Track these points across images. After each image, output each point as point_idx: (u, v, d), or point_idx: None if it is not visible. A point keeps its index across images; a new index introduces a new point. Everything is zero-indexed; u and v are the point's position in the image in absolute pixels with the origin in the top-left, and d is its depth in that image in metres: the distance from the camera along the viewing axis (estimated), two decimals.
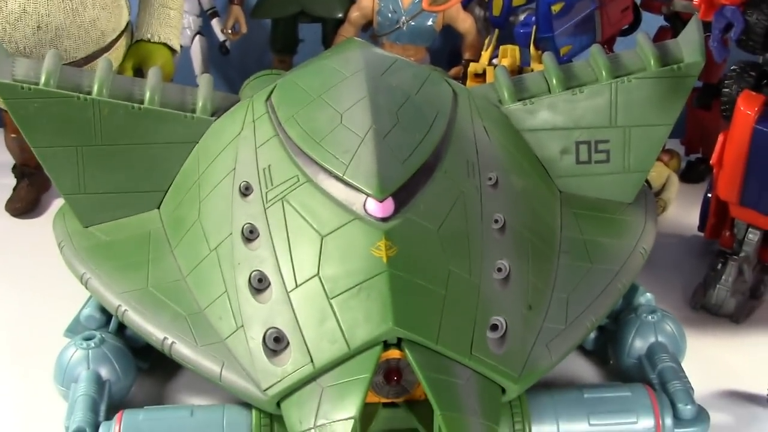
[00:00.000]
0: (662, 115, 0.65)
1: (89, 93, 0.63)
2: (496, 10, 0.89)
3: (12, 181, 0.84)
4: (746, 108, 0.63)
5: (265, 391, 0.50)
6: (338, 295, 0.50)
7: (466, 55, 0.94)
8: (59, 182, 0.64)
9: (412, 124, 0.57)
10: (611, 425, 0.53)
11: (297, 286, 0.51)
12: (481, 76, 0.84)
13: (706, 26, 0.65)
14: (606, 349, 0.62)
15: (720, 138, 0.65)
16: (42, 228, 0.74)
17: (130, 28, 0.83)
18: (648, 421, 0.53)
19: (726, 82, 0.67)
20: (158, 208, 0.65)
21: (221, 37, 0.99)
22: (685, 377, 0.56)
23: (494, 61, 0.84)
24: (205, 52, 0.98)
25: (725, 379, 0.61)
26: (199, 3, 0.98)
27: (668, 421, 0.53)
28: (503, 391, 0.51)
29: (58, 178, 0.64)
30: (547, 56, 0.67)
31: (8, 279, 0.72)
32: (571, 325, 0.55)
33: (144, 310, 0.56)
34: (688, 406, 0.54)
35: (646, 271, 0.61)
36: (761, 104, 0.63)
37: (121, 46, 0.80)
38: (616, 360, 0.61)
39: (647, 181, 0.74)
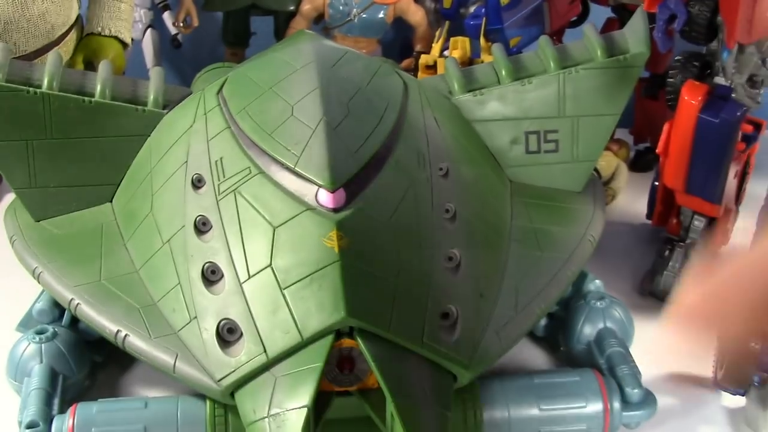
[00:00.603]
0: (609, 105, 0.66)
1: (39, 86, 0.62)
2: (447, 2, 0.90)
3: None
4: (690, 97, 0.64)
5: (218, 381, 0.50)
6: (290, 285, 0.50)
7: (417, 47, 0.95)
8: (10, 176, 0.64)
9: (362, 116, 0.57)
10: (561, 409, 0.54)
11: (250, 277, 0.51)
12: (432, 67, 0.84)
13: (651, 17, 0.66)
14: (556, 335, 0.63)
15: (665, 127, 0.66)
16: None
17: (80, 22, 0.82)
18: (596, 405, 0.54)
19: (670, 72, 0.68)
20: (111, 201, 0.65)
21: (173, 30, 0.98)
22: (633, 362, 0.57)
23: (445, 53, 0.85)
24: (157, 46, 0.98)
25: (672, 363, 0.62)
26: None
27: (616, 404, 0.54)
28: (455, 378, 0.52)
29: (9, 173, 0.64)
30: (497, 48, 0.68)
31: None
32: (522, 312, 0.56)
33: (97, 303, 0.56)
34: (636, 390, 0.55)
35: (595, 258, 0.62)
36: (704, 93, 0.64)
37: (72, 39, 0.80)
38: (566, 346, 0.62)
39: (596, 170, 0.75)
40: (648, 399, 0.56)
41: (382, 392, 0.48)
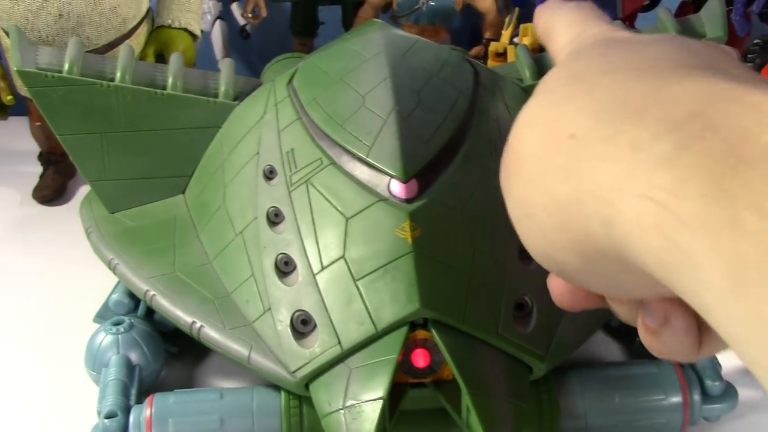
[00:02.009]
0: None
1: (112, 80, 0.63)
2: None
3: (38, 169, 0.85)
4: None
5: (293, 373, 0.50)
6: (364, 276, 0.50)
7: (487, 35, 0.94)
8: (84, 169, 0.65)
9: (434, 105, 0.57)
10: (639, 401, 0.53)
11: (323, 269, 0.51)
12: (502, 55, 0.84)
13: (728, 0, 0.64)
14: (632, 326, 0.62)
15: None
16: (69, 215, 0.75)
17: (150, 15, 0.83)
18: (676, 398, 0.53)
19: (749, 56, 0.66)
20: (183, 193, 0.65)
21: (241, 22, 0.99)
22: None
23: (515, 40, 0.84)
24: (226, 37, 0.99)
25: None
26: None
27: (696, 397, 0.53)
28: (530, 369, 0.51)
29: (83, 165, 0.65)
30: None
31: (37, 266, 0.73)
32: None
33: (171, 294, 0.56)
34: (716, 383, 0.54)
35: None
36: None
37: (142, 32, 0.81)
38: None
39: None
40: (729, 392, 0.54)
41: (456, 384, 0.48)
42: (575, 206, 0.26)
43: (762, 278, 0.20)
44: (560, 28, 0.35)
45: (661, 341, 0.30)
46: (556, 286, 0.36)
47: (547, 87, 0.30)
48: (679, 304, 0.29)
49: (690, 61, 0.27)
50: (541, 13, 0.38)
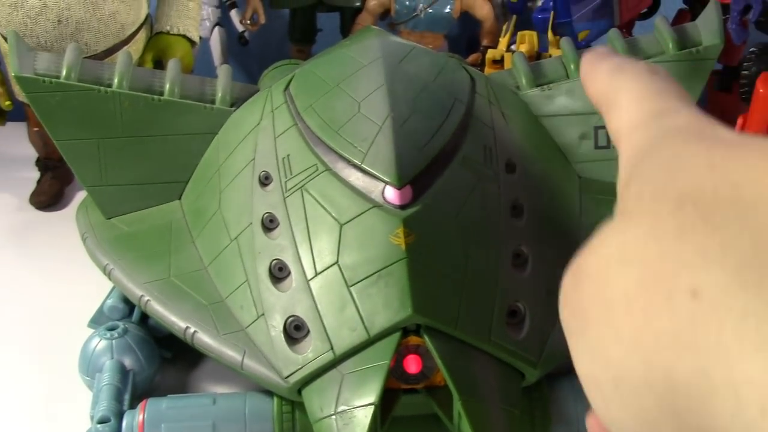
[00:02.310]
0: None
1: (110, 85, 0.63)
2: None
3: (36, 174, 0.85)
4: (765, 90, 0.63)
5: (286, 378, 0.50)
6: (357, 282, 0.50)
7: (484, 42, 0.94)
8: (81, 174, 0.65)
9: (429, 112, 0.57)
10: None
11: (317, 275, 0.52)
12: (499, 62, 0.84)
13: (725, 8, 0.65)
14: None
15: (739, 121, 0.65)
16: (66, 220, 0.75)
17: (149, 21, 0.83)
18: None
19: (745, 64, 0.66)
20: (179, 198, 0.65)
21: (240, 28, 0.99)
22: None
23: (512, 47, 0.84)
24: (225, 43, 0.99)
25: None
26: None
27: None
28: (522, 376, 0.51)
29: (80, 171, 0.65)
30: (565, 41, 0.67)
31: (33, 271, 0.73)
32: None
33: (166, 300, 0.56)
34: None
35: None
36: None
37: (141, 38, 0.81)
38: None
39: None
40: None
41: (449, 390, 0.48)
42: (698, 396, 0.19)
43: None
44: (628, 99, 0.28)
45: None
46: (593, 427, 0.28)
47: (647, 209, 0.22)
48: None
49: None
50: (595, 66, 0.31)
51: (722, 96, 0.86)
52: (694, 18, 0.70)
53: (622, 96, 0.27)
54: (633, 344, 0.21)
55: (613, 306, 0.22)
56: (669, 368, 0.20)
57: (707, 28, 0.65)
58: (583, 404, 0.53)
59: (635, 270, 0.21)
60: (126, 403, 0.54)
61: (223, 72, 0.66)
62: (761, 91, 0.63)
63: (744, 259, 0.18)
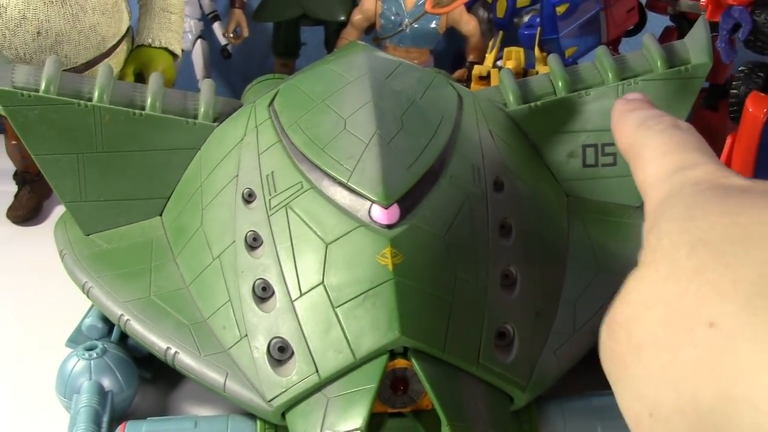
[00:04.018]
0: None
1: (90, 99, 0.62)
2: (500, 11, 0.89)
3: (13, 188, 0.83)
4: (755, 109, 0.62)
5: (269, 401, 0.49)
6: (343, 303, 0.49)
7: (470, 58, 0.93)
8: (60, 190, 0.63)
9: (417, 129, 0.56)
10: None
11: (301, 295, 0.50)
12: (485, 78, 0.83)
13: (714, 27, 0.64)
14: None
15: (728, 140, 0.65)
16: (44, 235, 0.73)
17: (131, 33, 0.82)
18: None
19: (734, 83, 0.66)
20: (161, 215, 0.64)
21: (223, 41, 0.98)
22: None
23: (498, 63, 0.84)
24: (207, 56, 0.98)
25: None
26: (201, 6, 0.98)
27: None
28: (511, 399, 0.50)
29: (59, 186, 0.63)
30: (552, 58, 0.66)
31: (9, 287, 0.72)
32: (579, 331, 0.54)
33: (146, 319, 0.55)
34: None
35: None
36: None
37: (122, 51, 0.80)
38: None
39: None
40: None
41: (436, 414, 0.47)
42: (723, 414, 0.21)
43: None
44: (651, 153, 0.30)
45: None
46: None
47: (665, 255, 0.25)
48: None
49: None
50: (624, 120, 0.33)
51: (708, 114, 0.86)
52: (681, 36, 0.70)
53: (647, 151, 0.30)
54: (663, 377, 0.23)
55: (642, 347, 0.24)
56: (695, 394, 0.22)
57: (696, 46, 0.64)
58: (573, 428, 0.52)
59: (659, 311, 0.24)
60: (104, 425, 0.53)
61: (206, 86, 0.65)
62: (750, 110, 0.62)
63: (753, 290, 0.21)
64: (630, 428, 0.26)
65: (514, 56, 0.81)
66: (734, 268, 0.22)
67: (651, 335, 0.24)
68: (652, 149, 0.30)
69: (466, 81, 0.87)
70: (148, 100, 0.63)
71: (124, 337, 0.59)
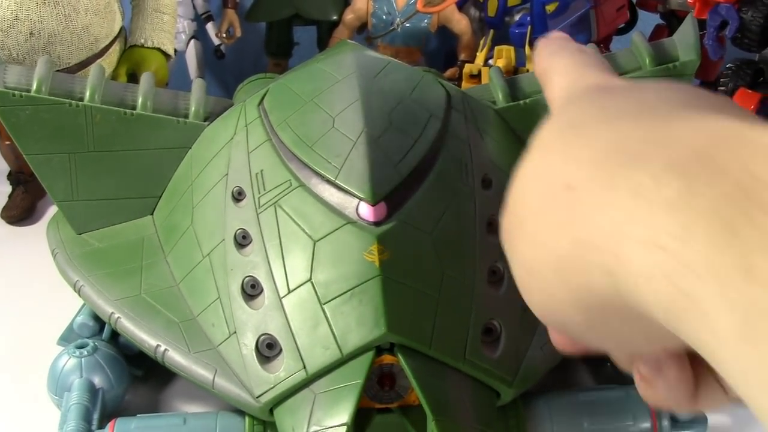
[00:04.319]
0: None
1: (81, 99, 0.62)
2: (491, 10, 0.89)
3: (7, 188, 0.84)
4: (743, 106, 0.62)
5: (258, 397, 0.49)
6: (331, 300, 0.50)
7: (462, 56, 0.94)
8: (52, 189, 0.64)
9: (405, 127, 0.57)
10: (608, 427, 0.53)
11: (289, 292, 0.51)
12: (476, 77, 0.83)
13: (702, 24, 0.64)
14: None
15: None
16: (37, 235, 0.74)
17: (123, 34, 0.82)
18: (645, 423, 0.53)
19: (722, 80, 0.66)
20: (152, 214, 0.64)
21: (216, 41, 0.98)
22: None
23: (489, 62, 0.84)
24: (200, 56, 0.98)
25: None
26: (194, 7, 0.98)
27: (665, 422, 0.53)
28: (498, 395, 0.51)
29: (51, 185, 0.64)
30: None
31: (2, 286, 0.72)
32: None
33: (137, 317, 0.55)
34: None
35: None
36: (757, 102, 0.63)
37: (115, 51, 0.80)
38: (612, 361, 0.60)
39: None
40: (698, 417, 0.54)
41: (423, 409, 0.47)
42: (576, 258, 0.25)
43: None
44: (557, 74, 0.34)
45: (655, 389, 0.30)
46: (557, 341, 0.35)
47: (541, 141, 0.29)
48: (673, 353, 0.29)
49: (688, 102, 0.27)
50: (540, 52, 0.37)
51: None
52: (671, 34, 0.70)
53: (554, 74, 0.34)
54: (536, 238, 0.27)
55: (524, 218, 0.29)
56: (556, 245, 0.26)
57: (684, 43, 0.65)
58: (560, 424, 0.52)
59: (535, 185, 0.28)
60: (95, 422, 0.53)
61: (197, 86, 0.66)
62: None
63: (600, 156, 0.25)
64: (520, 290, 0.30)
65: (505, 55, 0.81)
66: (590, 141, 0.26)
67: (529, 207, 0.28)
68: (558, 71, 0.34)
69: (458, 80, 0.87)
70: (139, 100, 0.63)
71: (115, 335, 0.59)
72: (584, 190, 0.25)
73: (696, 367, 0.29)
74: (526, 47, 0.82)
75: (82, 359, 0.56)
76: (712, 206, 0.21)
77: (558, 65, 0.35)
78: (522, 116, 0.65)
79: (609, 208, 0.24)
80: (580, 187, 0.25)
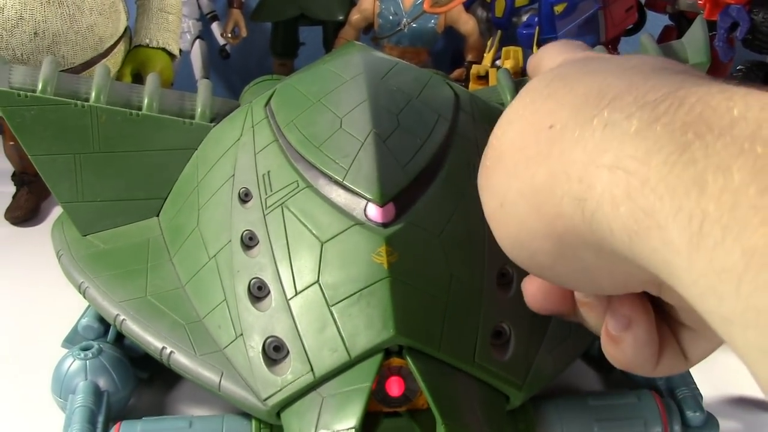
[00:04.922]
0: None
1: (86, 100, 0.62)
2: (499, 11, 0.89)
3: (11, 189, 0.83)
4: None
5: (264, 401, 0.49)
6: (338, 302, 0.49)
7: (469, 57, 0.93)
8: (57, 190, 0.63)
9: (413, 128, 0.56)
10: None
11: (297, 294, 0.50)
12: (483, 78, 0.83)
13: (712, 25, 0.64)
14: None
15: None
16: (42, 236, 0.73)
17: (128, 34, 0.82)
18: (656, 428, 0.52)
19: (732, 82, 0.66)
20: (157, 215, 0.64)
21: (221, 41, 0.98)
22: (694, 383, 0.55)
23: (497, 63, 0.84)
24: (206, 56, 0.98)
25: (734, 386, 0.60)
26: (199, 7, 0.98)
27: (677, 428, 0.52)
28: (507, 399, 0.50)
29: (56, 186, 0.63)
30: None
31: (7, 287, 0.72)
32: (576, 331, 0.54)
33: (142, 319, 0.55)
34: (697, 413, 0.53)
35: None
36: None
37: (120, 51, 0.80)
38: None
39: None
40: (710, 422, 0.54)
41: (432, 413, 0.47)
42: (549, 188, 0.28)
43: (723, 233, 0.21)
44: (547, 60, 0.38)
45: (622, 349, 0.32)
46: (529, 285, 0.39)
47: (529, 88, 0.33)
48: (643, 310, 0.32)
49: (664, 66, 0.30)
50: (535, 53, 0.42)
51: None
52: (680, 35, 0.70)
53: (545, 58, 0.38)
54: (513, 171, 0.30)
55: (503, 152, 0.32)
56: (533, 177, 0.29)
57: (693, 45, 0.64)
58: (570, 428, 0.52)
59: (518, 124, 0.32)
60: (100, 425, 0.53)
61: (203, 87, 0.65)
62: None
63: (580, 101, 0.28)
64: (489, 224, 0.34)
65: (513, 56, 0.81)
66: (573, 89, 0.29)
67: (510, 142, 0.31)
68: (548, 58, 0.38)
69: (465, 81, 0.87)
70: (145, 101, 0.63)
71: (120, 337, 0.59)
72: (564, 129, 0.28)
73: (661, 333, 0.32)
74: (534, 48, 0.82)
75: (87, 361, 0.56)
76: (673, 132, 0.24)
77: (548, 53, 0.39)
78: None
79: (582, 141, 0.27)
80: (561, 126, 0.28)
